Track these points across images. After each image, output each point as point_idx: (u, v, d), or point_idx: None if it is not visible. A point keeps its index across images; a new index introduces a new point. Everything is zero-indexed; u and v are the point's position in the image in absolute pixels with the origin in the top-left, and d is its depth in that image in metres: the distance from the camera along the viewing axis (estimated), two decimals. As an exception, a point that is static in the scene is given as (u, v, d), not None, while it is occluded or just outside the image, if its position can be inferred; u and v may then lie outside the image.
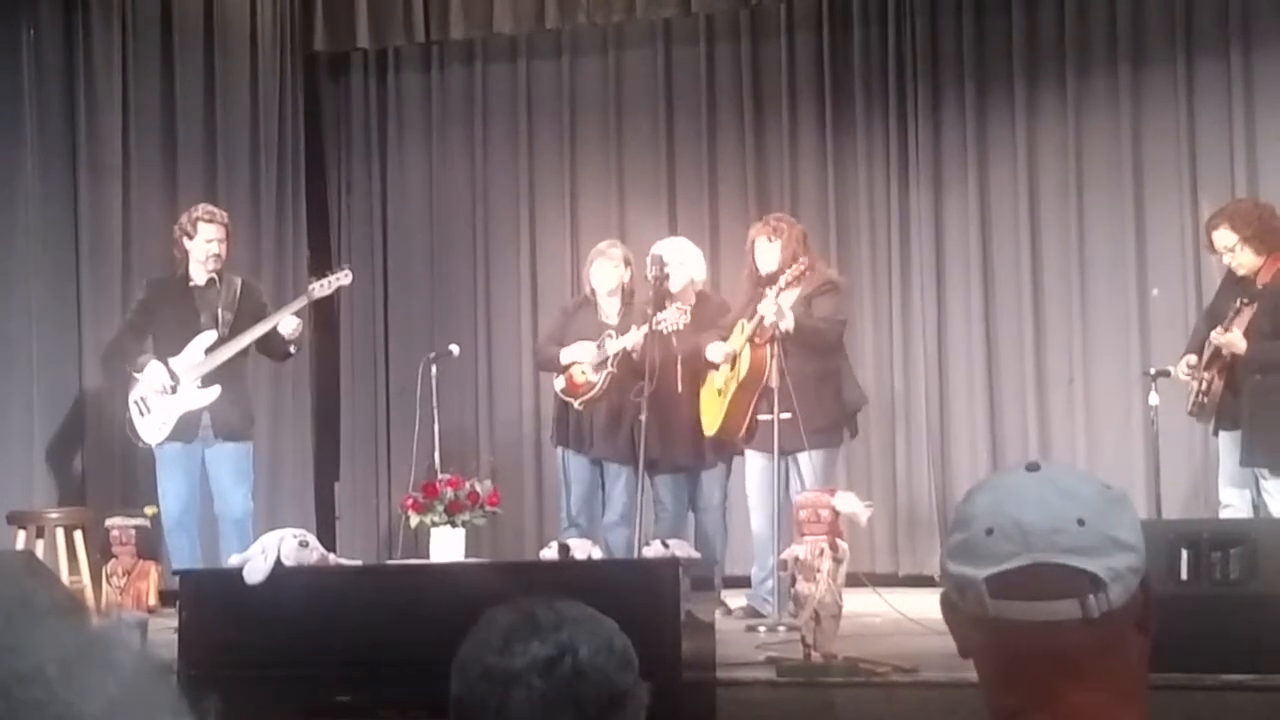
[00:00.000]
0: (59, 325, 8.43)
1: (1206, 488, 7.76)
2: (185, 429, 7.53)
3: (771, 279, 7.18)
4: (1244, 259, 6.81)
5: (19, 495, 8.04)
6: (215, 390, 7.51)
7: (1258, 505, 6.83)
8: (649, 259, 7.49)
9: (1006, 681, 1.48)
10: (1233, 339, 6.73)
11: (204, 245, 7.60)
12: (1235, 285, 6.94)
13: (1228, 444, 6.93)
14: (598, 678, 1.86)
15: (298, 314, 7.69)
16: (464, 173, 10.01)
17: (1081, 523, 1.44)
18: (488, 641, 1.88)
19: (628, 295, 7.78)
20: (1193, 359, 6.94)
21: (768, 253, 7.28)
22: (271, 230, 9.48)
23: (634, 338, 7.43)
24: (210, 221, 7.64)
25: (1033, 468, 1.51)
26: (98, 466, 8.48)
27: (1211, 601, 4.90)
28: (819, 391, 7.14)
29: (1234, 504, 6.83)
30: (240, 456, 7.65)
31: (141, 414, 7.57)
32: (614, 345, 7.56)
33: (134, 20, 8.95)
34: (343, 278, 7.91)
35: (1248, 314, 6.75)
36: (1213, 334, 6.81)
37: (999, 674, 1.49)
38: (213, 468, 7.61)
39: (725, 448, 7.49)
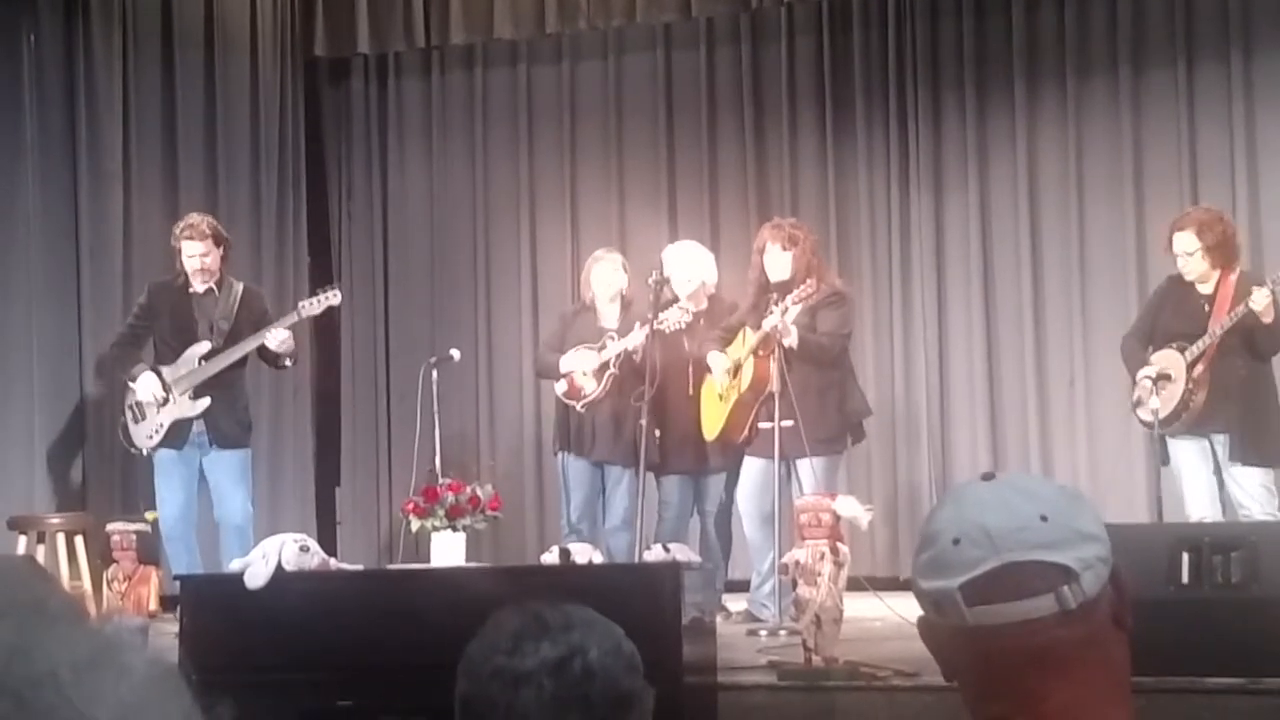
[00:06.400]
0: (60, 331, 8.43)
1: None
2: (177, 436, 7.54)
3: (781, 288, 7.12)
4: (1195, 266, 6.88)
5: (20, 500, 8.05)
6: (206, 401, 7.53)
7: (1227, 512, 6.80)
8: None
9: (991, 691, 1.49)
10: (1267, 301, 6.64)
11: (188, 260, 7.61)
12: (1178, 300, 6.96)
13: (1194, 454, 6.90)
14: (607, 679, 1.88)
15: (291, 327, 7.70)
16: (464, 177, 10.01)
17: (1044, 519, 1.46)
18: (497, 642, 1.88)
19: (627, 302, 7.78)
20: (1151, 371, 6.88)
21: (780, 261, 7.20)
22: (272, 236, 9.49)
23: (636, 337, 7.43)
24: (191, 238, 7.60)
25: (988, 477, 1.53)
26: (98, 471, 8.48)
27: (1212, 605, 4.90)
28: (821, 403, 7.12)
29: (1207, 519, 6.74)
30: (238, 463, 7.65)
31: (135, 420, 7.60)
32: (615, 346, 7.56)
33: (134, 27, 8.95)
34: (332, 297, 7.89)
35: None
36: (1255, 293, 6.68)
37: (983, 685, 1.50)
38: (211, 475, 7.61)
39: (732, 452, 7.47)
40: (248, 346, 7.59)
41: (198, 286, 7.65)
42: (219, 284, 7.67)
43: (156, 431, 7.56)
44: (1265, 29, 8.58)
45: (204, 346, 7.58)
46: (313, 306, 7.86)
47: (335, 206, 10.26)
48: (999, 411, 8.99)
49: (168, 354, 7.63)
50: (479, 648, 1.90)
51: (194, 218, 7.79)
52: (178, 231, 7.67)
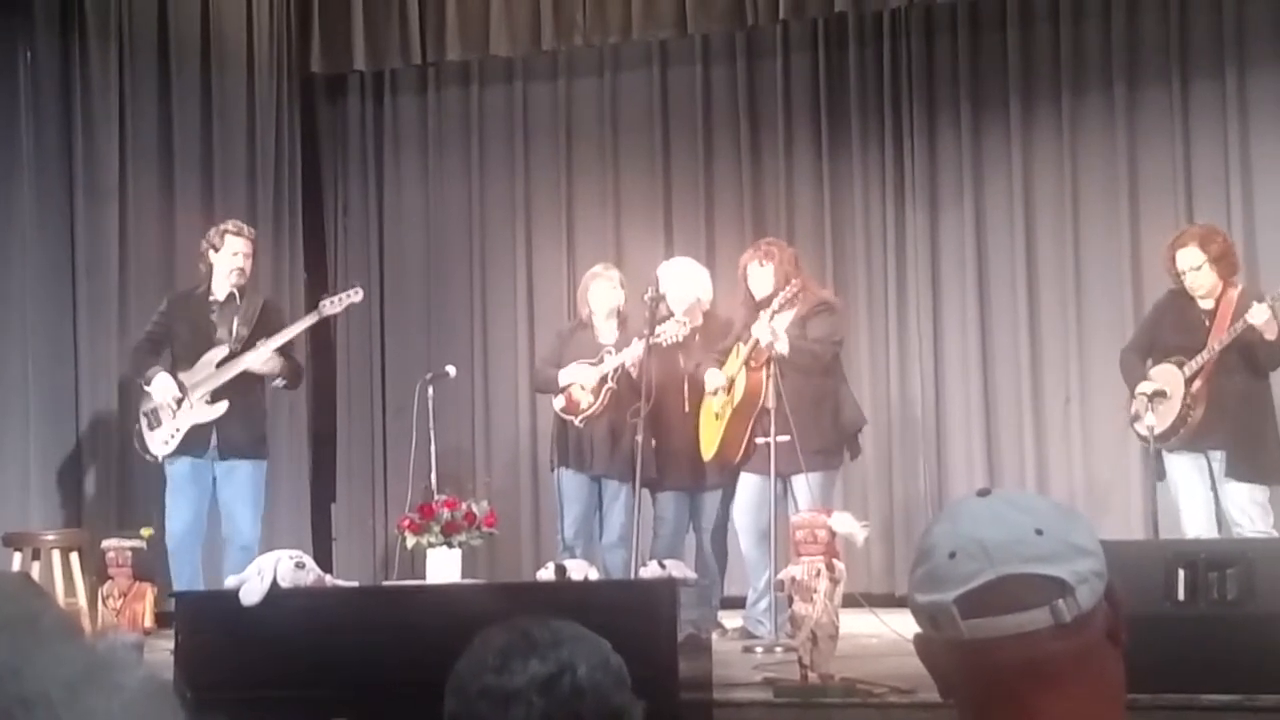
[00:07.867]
0: (56, 347, 8.43)
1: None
2: (194, 443, 7.49)
3: (765, 303, 7.17)
4: (1204, 280, 6.89)
5: (15, 517, 8.03)
6: (223, 405, 7.49)
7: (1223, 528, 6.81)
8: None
9: (987, 706, 1.49)
10: (1268, 316, 6.66)
11: (229, 258, 7.60)
12: (1178, 314, 6.97)
13: (1191, 470, 6.90)
14: (596, 695, 1.87)
15: (296, 339, 7.69)
16: (461, 194, 10.02)
17: (1040, 532, 1.47)
18: (485, 660, 1.88)
19: (624, 318, 7.78)
20: (1147, 388, 6.89)
21: (760, 277, 7.27)
22: (269, 252, 9.46)
23: (634, 351, 7.43)
24: (237, 235, 7.65)
25: (983, 493, 1.54)
26: (94, 488, 8.48)
27: (1208, 622, 4.90)
28: (817, 413, 7.13)
29: (1203, 535, 6.74)
30: (250, 480, 7.56)
31: (150, 427, 7.55)
32: (614, 360, 7.56)
33: (131, 43, 8.96)
34: (354, 295, 7.93)
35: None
36: (1255, 308, 6.71)
37: (978, 700, 1.50)
38: (223, 490, 7.54)
39: (728, 469, 7.47)
40: (270, 346, 7.54)
41: (220, 294, 7.62)
42: (241, 291, 7.66)
43: (172, 437, 7.50)
44: (1259, 46, 8.60)
45: (221, 351, 7.56)
46: (334, 305, 7.87)
47: (331, 223, 10.27)
48: (995, 427, 8.99)
49: (187, 361, 7.59)
50: (467, 666, 1.89)
51: (237, 220, 7.84)
52: (224, 227, 7.67)
